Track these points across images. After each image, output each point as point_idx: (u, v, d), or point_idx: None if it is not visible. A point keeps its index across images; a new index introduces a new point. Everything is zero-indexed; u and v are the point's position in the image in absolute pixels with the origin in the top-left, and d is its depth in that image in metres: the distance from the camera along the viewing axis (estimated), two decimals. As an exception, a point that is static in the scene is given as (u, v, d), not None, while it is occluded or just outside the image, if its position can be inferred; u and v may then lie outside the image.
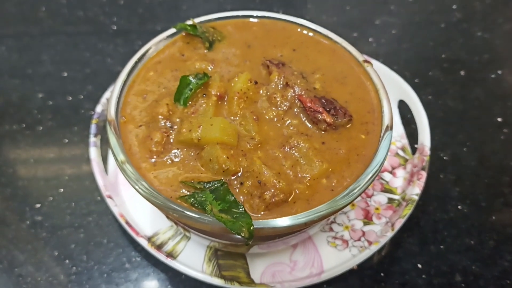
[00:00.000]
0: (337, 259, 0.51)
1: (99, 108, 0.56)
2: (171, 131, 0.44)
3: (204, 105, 0.45)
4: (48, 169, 0.58)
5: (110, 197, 0.51)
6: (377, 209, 0.55)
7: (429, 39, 0.73)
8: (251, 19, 0.53)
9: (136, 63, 0.48)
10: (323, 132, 0.45)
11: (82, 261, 0.51)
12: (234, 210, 0.39)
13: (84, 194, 0.56)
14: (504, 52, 0.72)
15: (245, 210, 0.39)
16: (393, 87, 0.60)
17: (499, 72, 0.69)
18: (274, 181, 0.40)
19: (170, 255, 0.50)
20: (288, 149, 0.43)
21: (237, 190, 0.41)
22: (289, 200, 0.40)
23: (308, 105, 0.45)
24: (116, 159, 0.41)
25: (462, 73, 0.69)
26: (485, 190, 0.58)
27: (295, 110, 0.46)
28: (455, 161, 0.60)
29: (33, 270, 0.50)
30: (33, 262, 0.50)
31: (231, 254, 0.51)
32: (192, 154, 0.43)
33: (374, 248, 0.50)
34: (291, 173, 0.42)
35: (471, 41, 0.73)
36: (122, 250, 0.52)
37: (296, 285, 0.49)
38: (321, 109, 0.45)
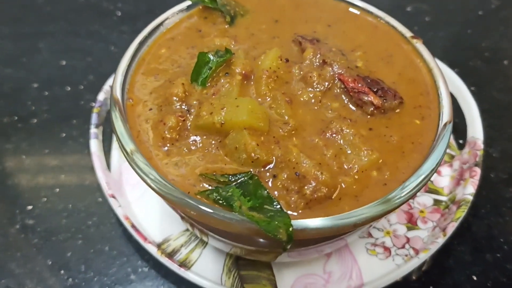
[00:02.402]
0: (379, 269, 0.43)
1: (101, 96, 0.49)
2: (188, 115, 0.37)
3: (227, 85, 0.38)
4: (42, 166, 0.50)
5: (113, 196, 0.44)
6: (421, 212, 0.47)
7: (467, 27, 0.66)
8: (278, -9, 0.46)
9: (146, 38, 0.41)
10: (369, 117, 0.37)
11: (80, 271, 0.43)
12: (268, 207, 0.31)
13: (83, 195, 0.48)
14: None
15: (281, 207, 0.31)
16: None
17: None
18: (316, 172, 0.33)
19: (183, 264, 0.42)
20: (329, 136, 0.36)
21: (270, 184, 0.33)
22: (333, 196, 0.33)
23: (351, 85, 0.38)
24: (122, 147, 0.34)
25: (506, 62, 0.62)
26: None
27: (335, 91, 0.39)
28: (506, 158, 0.53)
29: (23, 282, 0.42)
30: (23, 273, 0.43)
31: (254, 264, 0.44)
32: (214, 142, 0.36)
33: (424, 256, 0.43)
34: (334, 163, 0.34)
35: (513, 30, 0.66)
36: (127, 259, 0.44)
37: (334, 301, 0.41)
38: (366, 89, 0.37)
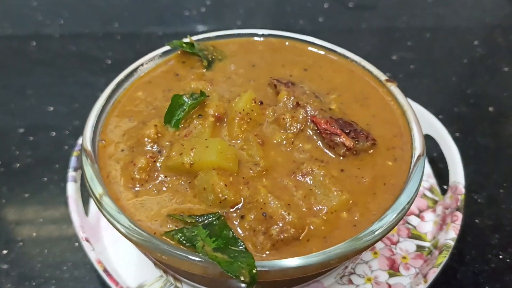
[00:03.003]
0: (359, 319, 0.42)
1: (81, 140, 0.49)
2: (158, 156, 0.37)
3: (199, 127, 0.38)
4: (21, 210, 0.50)
5: (87, 240, 0.43)
6: (404, 258, 0.46)
7: (452, 75, 0.67)
8: (256, 38, 0.47)
9: (122, 81, 0.42)
10: (341, 158, 0.37)
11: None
12: (232, 248, 0.31)
13: (60, 239, 0.48)
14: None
15: (245, 248, 0.30)
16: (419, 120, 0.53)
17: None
18: (283, 212, 0.32)
19: (157, 312, 0.41)
20: (299, 177, 0.35)
21: (237, 225, 0.33)
22: (301, 237, 0.32)
23: (323, 126, 0.38)
24: (91, 190, 0.34)
25: (491, 109, 0.62)
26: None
27: (308, 132, 0.39)
28: (491, 204, 0.52)
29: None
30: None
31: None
32: (183, 183, 0.35)
33: (405, 304, 0.41)
34: (303, 204, 0.34)
35: (498, 76, 0.67)
36: (99, 305, 0.43)
37: None
38: (338, 131, 0.37)
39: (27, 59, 0.68)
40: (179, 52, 0.45)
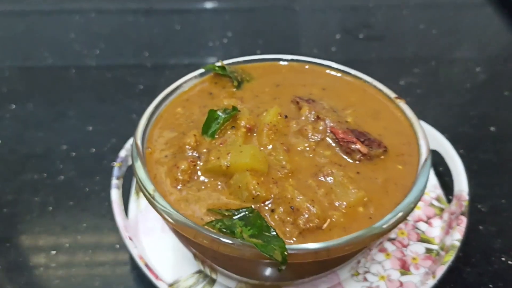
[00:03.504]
0: (374, 312, 0.46)
1: (122, 153, 0.55)
2: (198, 161, 0.42)
3: (232, 136, 0.44)
4: (66, 216, 0.56)
5: (130, 238, 0.48)
6: (414, 259, 0.51)
7: (455, 98, 0.72)
8: (281, 62, 0.54)
9: (164, 99, 0.48)
10: (357, 163, 0.42)
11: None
12: (266, 233, 0.36)
13: (102, 242, 0.53)
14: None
15: (277, 234, 0.36)
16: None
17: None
18: (308, 205, 0.38)
19: (191, 303, 0.46)
20: (321, 178, 0.41)
21: (268, 218, 0.38)
22: (323, 227, 0.38)
23: (341, 136, 0.43)
24: (144, 188, 0.39)
25: (493, 129, 0.67)
26: (532, 240, 0.54)
27: (328, 141, 0.44)
28: (494, 213, 0.57)
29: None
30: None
31: (257, 304, 0.47)
32: (220, 183, 0.41)
33: (416, 298, 0.46)
34: (325, 200, 0.39)
35: (499, 100, 0.72)
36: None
37: (331, 338, 0.44)
38: (354, 140, 0.43)
39: (68, 86, 0.74)
40: (212, 75, 0.51)
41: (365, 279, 0.49)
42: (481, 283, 0.50)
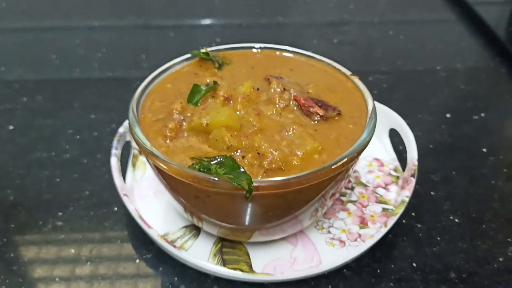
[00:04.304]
0: (334, 255, 0.54)
1: (121, 129, 0.64)
2: (183, 123, 0.51)
3: (212, 103, 0.52)
4: (71, 186, 0.64)
5: (126, 195, 0.56)
6: (372, 216, 0.59)
7: (417, 91, 0.81)
8: (254, 50, 0.63)
9: (155, 77, 0.57)
10: (315, 123, 0.51)
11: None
12: (236, 170, 0.44)
13: (102, 205, 0.61)
14: (486, 100, 0.80)
15: (245, 171, 0.44)
16: (384, 117, 0.67)
17: (482, 114, 0.76)
18: (272, 150, 0.46)
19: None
20: (285, 133, 0.49)
21: (239, 162, 0.46)
22: (284, 169, 0.46)
23: (302, 102, 0.52)
24: (141, 141, 0.48)
25: (448, 115, 0.76)
26: (476, 204, 0.62)
27: (291, 107, 0.53)
28: (445, 182, 0.65)
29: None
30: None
31: (235, 251, 0.55)
32: (201, 139, 0.49)
33: (369, 242, 0.54)
34: (286, 149, 0.48)
35: (456, 92, 0.82)
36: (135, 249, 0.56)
37: (296, 274, 0.52)
38: (313, 104, 0.52)
39: (73, 82, 0.84)
40: (198, 59, 0.61)
41: (329, 232, 0.57)
42: (430, 236, 0.58)
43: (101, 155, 0.68)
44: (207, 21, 1.04)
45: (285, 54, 0.63)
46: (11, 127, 0.73)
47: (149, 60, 0.88)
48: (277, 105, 0.53)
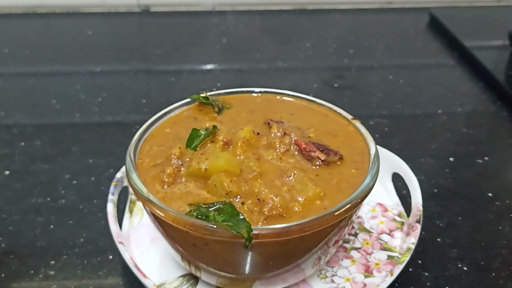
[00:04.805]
0: (339, 306, 0.52)
1: (118, 175, 0.63)
2: (182, 168, 0.50)
3: (212, 148, 0.52)
4: (66, 233, 0.62)
5: (121, 243, 0.55)
6: (377, 264, 0.57)
7: (418, 135, 0.81)
8: (254, 94, 0.63)
9: (154, 121, 0.56)
10: (317, 167, 0.50)
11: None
12: (235, 218, 0.43)
13: (97, 253, 0.59)
14: (488, 144, 0.79)
15: (244, 218, 0.43)
16: (386, 162, 0.66)
17: (486, 158, 0.75)
18: (272, 196, 0.45)
19: (175, 299, 0.51)
20: (285, 179, 0.48)
21: (238, 209, 0.45)
22: (285, 215, 0.44)
23: (303, 146, 0.51)
24: (137, 188, 0.46)
25: (451, 159, 0.75)
26: (483, 251, 0.60)
27: (292, 152, 0.52)
28: (451, 228, 0.63)
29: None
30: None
31: (234, 301, 0.53)
32: (199, 184, 0.48)
33: (375, 292, 0.52)
34: (287, 196, 0.46)
35: (457, 135, 0.81)
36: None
37: (299, 327, 0.49)
38: (314, 149, 0.51)
39: (73, 127, 0.83)
40: (197, 103, 0.60)
41: (333, 281, 0.55)
42: (438, 285, 0.56)
43: (98, 201, 0.67)
44: (208, 66, 1.04)
45: (285, 98, 0.62)
46: (7, 172, 0.72)
47: (150, 105, 0.88)
48: (278, 150, 0.52)
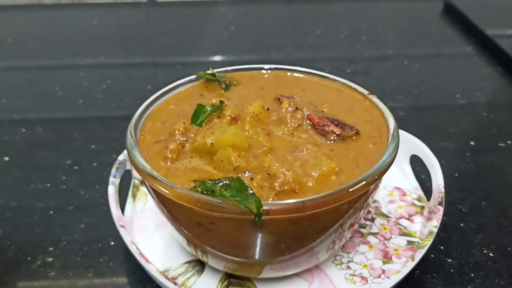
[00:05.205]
0: (356, 294, 0.48)
1: (121, 157, 0.59)
2: (186, 144, 0.46)
3: (218, 123, 0.48)
4: (65, 218, 0.59)
5: (123, 226, 0.51)
6: (396, 250, 0.53)
7: (436, 119, 0.77)
8: (263, 71, 0.59)
9: (157, 98, 0.53)
10: (331, 142, 0.46)
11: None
12: (244, 192, 0.39)
13: (97, 240, 0.56)
14: (511, 127, 0.75)
15: (253, 193, 0.39)
16: (404, 144, 0.62)
17: (509, 142, 0.71)
18: (284, 170, 0.41)
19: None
20: (298, 154, 0.44)
21: (247, 185, 0.41)
22: (297, 191, 0.41)
23: (317, 121, 0.48)
24: (139, 164, 0.43)
25: (472, 143, 0.71)
26: (510, 236, 0.56)
27: (305, 127, 0.48)
28: (474, 213, 0.59)
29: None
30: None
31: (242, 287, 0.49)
32: (205, 160, 0.45)
33: (395, 278, 0.48)
34: (300, 171, 0.43)
35: (478, 119, 0.77)
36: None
37: (313, 315, 0.45)
38: (328, 123, 0.47)
39: (76, 113, 0.80)
40: (203, 80, 0.57)
41: (348, 267, 0.51)
42: (463, 273, 0.52)
43: (100, 186, 0.64)
44: (216, 58, 1.01)
45: (296, 74, 0.58)
46: (7, 158, 0.69)
47: (156, 91, 0.85)
48: (289, 125, 0.48)
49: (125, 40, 1.10)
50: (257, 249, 0.43)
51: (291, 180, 0.41)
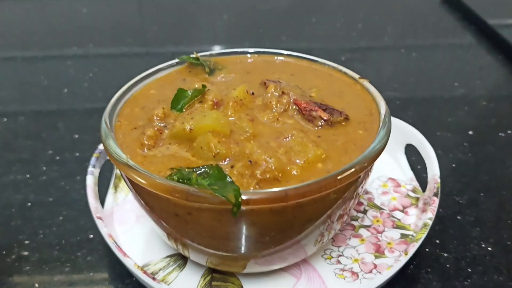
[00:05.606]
0: (346, 289, 0.45)
1: (101, 146, 0.57)
2: (165, 130, 0.44)
3: (199, 108, 0.45)
4: (43, 211, 0.56)
5: (100, 218, 0.48)
6: (389, 243, 0.50)
7: (434, 108, 0.74)
8: (249, 54, 0.56)
9: (136, 83, 0.50)
10: (319, 128, 0.43)
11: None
12: (222, 181, 0.36)
13: (76, 233, 0.53)
14: (511, 117, 0.72)
15: (233, 181, 0.36)
16: (399, 132, 0.59)
17: (509, 131, 0.68)
18: (266, 157, 0.38)
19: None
20: (283, 140, 0.41)
21: (227, 173, 0.38)
22: (280, 179, 0.38)
23: (303, 105, 0.45)
24: (114, 153, 0.40)
25: (471, 132, 0.68)
26: (509, 230, 0.53)
27: (291, 112, 0.45)
28: (472, 205, 0.56)
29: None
30: None
31: (226, 284, 0.46)
32: (184, 147, 0.42)
33: (387, 273, 0.45)
34: (284, 157, 0.40)
35: (477, 108, 0.74)
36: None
37: (300, 313, 0.43)
38: (316, 108, 0.44)
39: (61, 101, 0.78)
40: (187, 64, 0.54)
41: (339, 262, 0.49)
42: (459, 268, 0.49)
43: (81, 177, 0.61)
44: (209, 47, 0.98)
45: (284, 58, 0.55)
46: (-15, 148, 0.67)
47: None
48: (274, 110, 0.45)
49: (116, 29, 1.07)
50: (239, 242, 0.41)
51: (273, 167, 0.38)
